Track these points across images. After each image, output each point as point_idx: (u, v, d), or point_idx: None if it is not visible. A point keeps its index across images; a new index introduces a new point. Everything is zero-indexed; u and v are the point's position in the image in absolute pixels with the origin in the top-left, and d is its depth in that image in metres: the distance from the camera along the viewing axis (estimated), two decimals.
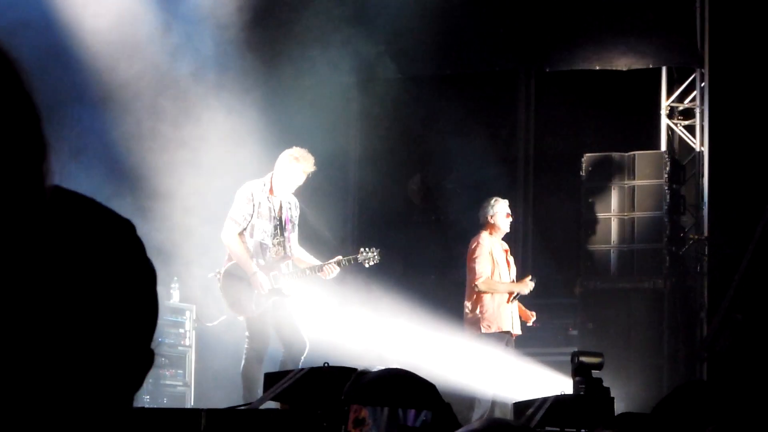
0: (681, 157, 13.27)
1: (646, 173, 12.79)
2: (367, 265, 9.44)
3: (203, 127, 11.21)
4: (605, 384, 8.39)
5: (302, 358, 8.85)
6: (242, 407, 6.71)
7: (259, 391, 7.11)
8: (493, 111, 13.92)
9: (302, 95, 12.19)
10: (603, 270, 12.80)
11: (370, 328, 10.90)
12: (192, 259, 10.72)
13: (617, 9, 12.92)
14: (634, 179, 12.84)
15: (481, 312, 10.16)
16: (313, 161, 9.05)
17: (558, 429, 7.52)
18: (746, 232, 12.05)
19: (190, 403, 10.68)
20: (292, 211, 9.18)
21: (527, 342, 10.90)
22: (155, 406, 9.73)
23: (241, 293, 8.95)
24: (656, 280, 12.60)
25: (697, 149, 13.11)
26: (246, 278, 8.92)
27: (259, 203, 9.00)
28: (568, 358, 8.73)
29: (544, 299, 11.43)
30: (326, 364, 6.38)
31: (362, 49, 12.58)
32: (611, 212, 12.86)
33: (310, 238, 10.06)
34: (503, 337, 10.16)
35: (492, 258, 10.23)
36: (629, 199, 12.83)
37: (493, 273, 10.22)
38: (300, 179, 9.07)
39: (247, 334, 9.02)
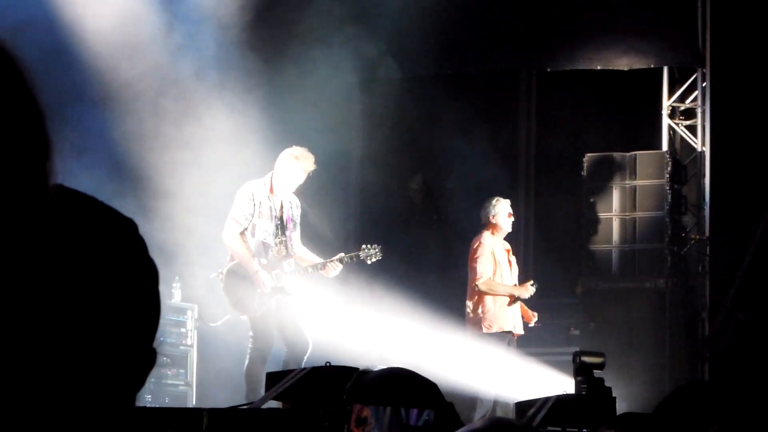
0: (682, 157, 13.27)
1: (647, 173, 12.80)
2: (369, 262, 9.41)
3: (205, 126, 11.21)
4: (607, 384, 8.39)
5: (305, 358, 8.84)
6: (244, 407, 6.71)
7: (262, 391, 7.11)
8: (494, 111, 13.92)
9: (304, 95, 12.18)
10: (604, 270, 12.80)
11: (371, 327, 10.90)
12: (194, 259, 10.72)
13: (619, 9, 12.90)
14: (635, 179, 12.84)
15: (482, 312, 10.16)
16: (313, 160, 9.03)
17: (560, 429, 7.52)
18: (748, 232, 12.07)
19: (192, 402, 10.67)
20: (293, 210, 9.18)
21: (529, 342, 10.90)
22: (157, 406, 9.73)
23: (244, 292, 8.95)
24: (658, 280, 12.60)
25: (699, 149, 13.10)
26: (249, 277, 8.91)
27: (260, 203, 9.00)
28: (570, 357, 8.73)
29: (546, 299, 11.43)
30: (328, 364, 6.38)
31: (364, 48, 12.58)
32: (613, 212, 12.87)
33: (312, 238, 10.06)
34: (505, 336, 10.16)
35: (494, 258, 10.23)
36: (631, 199, 12.83)
37: (495, 273, 10.22)
38: (300, 178, 9.05)
39: (251, 334, 9.01)
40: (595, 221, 12.91)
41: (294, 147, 9.08)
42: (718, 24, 12.73)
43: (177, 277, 10.95)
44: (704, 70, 13.03)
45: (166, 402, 10.41)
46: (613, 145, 13.16)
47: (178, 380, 10.77)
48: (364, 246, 9.39)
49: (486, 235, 10.27)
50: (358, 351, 10.22)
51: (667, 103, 13.30)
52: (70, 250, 1.29)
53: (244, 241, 8.96)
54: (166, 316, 10.36)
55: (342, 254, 9.21)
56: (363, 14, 12.55)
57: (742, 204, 12.32)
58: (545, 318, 11.01)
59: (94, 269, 1.30)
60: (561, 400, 7.57)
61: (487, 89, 13.86)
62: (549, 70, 13.40)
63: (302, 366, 8.32)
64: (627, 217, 12.83)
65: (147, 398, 10.06)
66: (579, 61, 13.14)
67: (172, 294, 10.91)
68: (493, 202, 10.40)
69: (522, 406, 7.74)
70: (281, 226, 9.08)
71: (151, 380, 9.70)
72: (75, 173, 9.53)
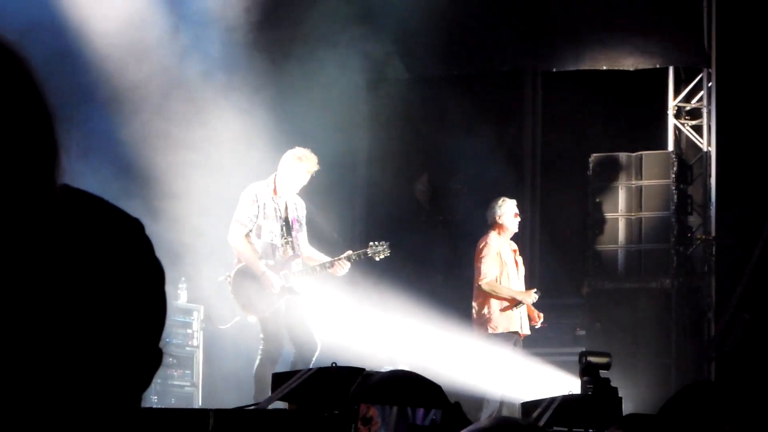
0: (688, 157, 13.26)
1: (653, 173, 12.79)
2: (377, 258, 9.38)
3: (212, 128, 11.22)
4: (613, 384, 8.38)
5: (313, 359, 8.83)
6: (250, 407, 6.72)
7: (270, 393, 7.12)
8: (500, 111, 13.91)
9: (311, 96, 12.18)
10: (610, 270, 12.79)
11: (378, 328, 10.90)
12: (201, 260, 10.72)
13: (624, 9, 12.90)
14: (641, 179, 12.83)
15: (488, 312, 10.15)
16: (317, 160, 9.01)
17: (566, 429, 7.52)
18: (754, 231, 12.06)
19: (198, 403, 10.68)
20: (298, 210, 9.17)
21: (535, 342, 10.90)
22: (163, 407, 9.75)
23: (253, 293, 8.94)
24: (664, 280, 12.59)
25: (705, 149, 13.09)
26: (257, 278, 8.91)
27: (264, 204, 8.99)
28: (576, 358, 8.72)
29: (552, 299, 11.42)
30: (334, 365, 6.39)
31: (371, 49, 12.59)
32: (618, 212, 12.86)
33: (318, 238, 10.06)
34: (511, 337, 10.15)
35: (500, 258, 10.22)
36: (636, 199, 12.82)
37: (501, 273, 10.21)
38: (304, 179, 9.03)
39: (262, 336, 8.99)
40: (601, 221, 12.91)
41: (297, 148, 9.06)
42: (723, 24, 12.72)
43: (183, 278, 10.96)
44: (710, 70, 13.02)
45: (173, 403, 10.41)
46: (618, 145, 13.15)
47: (184, 381, 10.78)
48: (371, 243, 9.37)
49: (492, 236, 10.27)
50: (365, 352, 10.22)
51: (672, 103, 13.29)
52: (76, 249, 1.29)
53: (250, 243, 8.96)
54: (172, 317, 10.37)
55: (350, 252, 9.19)
56: (370, 15, 12.55)
57: (748, 204, 12.32)
58: (551, 318, 11.00)
59: (101, 269, 1.31)
60: (567, 401, 7.57)
61: (492, 89, 13.85)
62: (555, 70, 13.40)
63: (310, 367, 8.32)
64: (633, 217, 12.82)
65: (153, 399, 10.07)
66: (584, 61, 13.14)
67: (178, 295, 10.92)
68: (500, 202, 10.39)
69: (528, 406, 7.74)
70: (287, 227, 9.07)
71: (157, 381, 9.72)
72: (81, 173, 9.54)
